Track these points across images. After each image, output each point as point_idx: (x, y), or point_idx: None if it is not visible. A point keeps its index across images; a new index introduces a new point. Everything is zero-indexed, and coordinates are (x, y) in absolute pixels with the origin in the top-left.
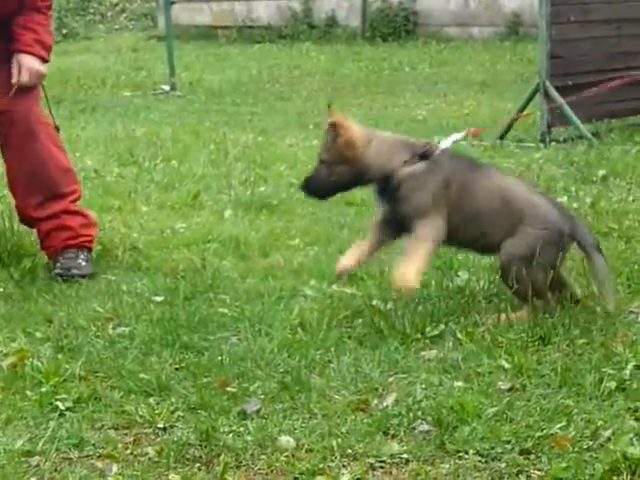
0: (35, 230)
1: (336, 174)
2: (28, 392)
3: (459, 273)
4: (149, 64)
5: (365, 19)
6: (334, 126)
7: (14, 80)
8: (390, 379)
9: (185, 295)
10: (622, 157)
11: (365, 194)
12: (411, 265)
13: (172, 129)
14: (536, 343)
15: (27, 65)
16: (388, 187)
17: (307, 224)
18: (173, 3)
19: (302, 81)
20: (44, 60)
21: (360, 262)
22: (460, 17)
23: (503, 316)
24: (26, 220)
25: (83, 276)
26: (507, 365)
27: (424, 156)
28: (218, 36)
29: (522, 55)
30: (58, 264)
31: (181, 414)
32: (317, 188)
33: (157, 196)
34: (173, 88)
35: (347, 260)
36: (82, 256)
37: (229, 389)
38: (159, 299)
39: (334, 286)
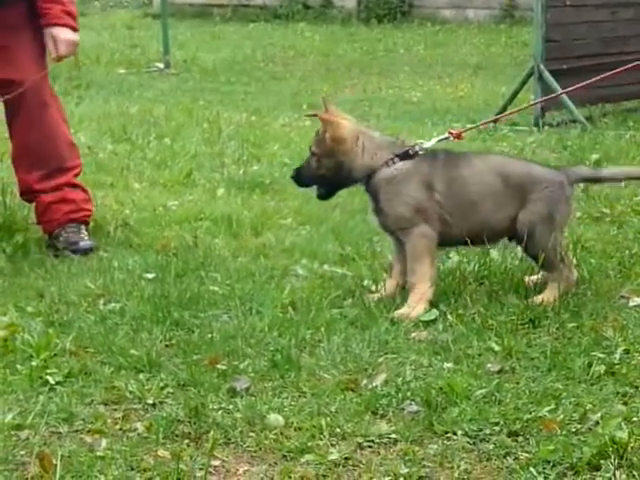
0: (34, 204)
1: (324, 167)
2: (18, 366)
3: (450, 255)
4: (144, 42)
5: (360, 0)
6: (324, 121)
7: (53, 55)
8: (380, 359)
9: (176, 272)
10: (615, 142)
11: None
12: (416, 307)
13: (166, 107)
14: (526, 326)
15: (63, 37)
16: (370, 187)
17: (299, 204)
18: None
19: (296, 61)
20: (74, 29)
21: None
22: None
23: (537, 298)
24: (27, 193)
25: (91, 249)
26: (497, 347)
27: (405, 157)
28: (213, 15)
29: (517, 38)
30: (61, 238)
31: (171, 390)
32: (306, 179)
33: (150, 173)
34: (167, 66)
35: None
36: (84, 230)
37: (219, 366)
38: (150, 276)
39: (325, 266)
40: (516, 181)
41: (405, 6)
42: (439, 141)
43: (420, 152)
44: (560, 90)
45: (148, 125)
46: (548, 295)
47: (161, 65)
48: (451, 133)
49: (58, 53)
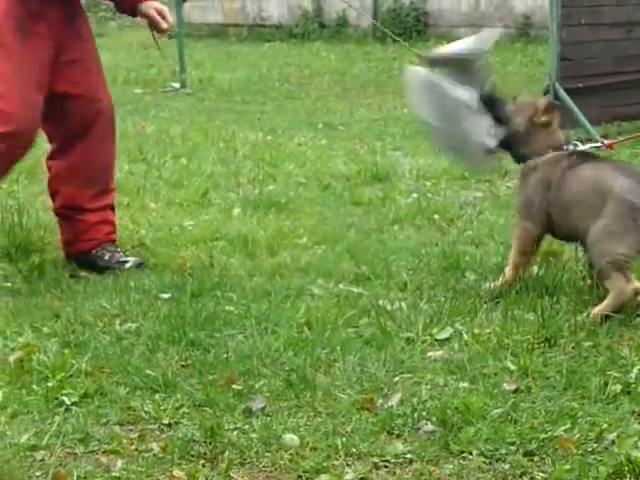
0: (67, 221)
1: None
2: (34, 387)
3: (466, 274)
4: (160, 61)
5: (376, 19)
6: (543, 108)
7: (165, 26)
8: (395, 379)
9: (192, 292)
10: (631, 160)
11: (373, 194)
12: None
13: (182, 127)
14: (542, 345)
15: (162, 9)
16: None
17: (315, 223)
18: (184, 1)
19: (312, 80)
20: None
21: None
22: (471, 18)
23: (593, 312)
24: (71, 209)
25: (141, 264)
26: (512, 367)
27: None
28: (229, 34)
29: (532, 57)
30: (106, 257)
31: (186, 411)
32: None
33: (166, 193)
34: (183, 86)
35: None
36: (119, 249)
37: (234, 386)
38: (166, 296)
39: (341, 285)
40: (600, 193)
41: (420, 25)
42: (591, 147)
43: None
44: (575, 108)
45: (164, 145)
46: (599, 307)
47: (177, 85)
48: (603, 143)
49: (170, 22)
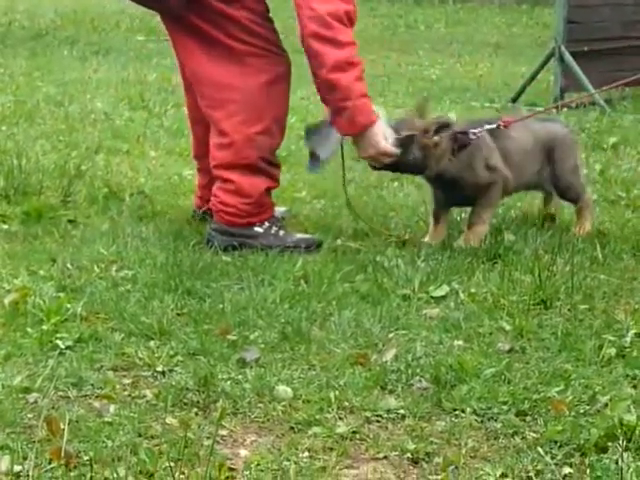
0: None
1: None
2: (29, 329)
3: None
4: None
5: None
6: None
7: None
8: (390, 335)
9: (189, 241)
10: (634, 125)
11: None
12: None
13: None
14: (538, 306)
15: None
16: None
17: (314, 177)
18: None
19: None
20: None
21: None
22: None
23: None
24: None
25: None
26: (508, 327)
27: None
28: None
29: (538, 19)
30: None
31: (180, 359)
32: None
33: (166, 142)
34: None
35: None
36: None
37: (229, 337)
38: (163, 244)
39: (338, 240)
40: None
41: None
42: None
43: None
44: (579, 72)
45: (166, 93)
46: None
47: None
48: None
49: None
